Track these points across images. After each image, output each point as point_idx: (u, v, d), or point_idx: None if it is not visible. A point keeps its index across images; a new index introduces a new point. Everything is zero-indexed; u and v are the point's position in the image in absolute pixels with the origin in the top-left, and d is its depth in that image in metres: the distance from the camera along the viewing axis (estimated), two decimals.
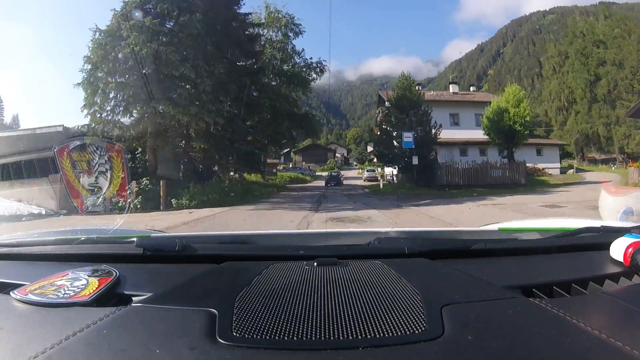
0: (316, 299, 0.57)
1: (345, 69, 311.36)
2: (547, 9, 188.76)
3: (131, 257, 0.86)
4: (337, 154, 69.70)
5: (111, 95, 11.71)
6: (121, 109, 11.86)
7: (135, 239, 0.87)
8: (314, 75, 21.38)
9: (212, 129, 13.22)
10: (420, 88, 23.02)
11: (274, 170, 27.90)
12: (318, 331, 0.48)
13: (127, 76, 11.45)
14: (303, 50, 21.34)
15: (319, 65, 21.35)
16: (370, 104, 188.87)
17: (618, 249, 0.75)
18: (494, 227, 1.33)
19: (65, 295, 0.60)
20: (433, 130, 19.13)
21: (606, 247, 0.79)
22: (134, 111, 12.28)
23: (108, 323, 0.51)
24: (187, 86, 11.63)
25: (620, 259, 0.73)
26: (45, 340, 0.46)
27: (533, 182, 19.01)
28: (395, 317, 0.50)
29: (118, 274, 0.71)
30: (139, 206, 11.04)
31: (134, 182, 11.61)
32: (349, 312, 0.52)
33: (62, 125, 12.65)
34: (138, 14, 10.78)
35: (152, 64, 10.82)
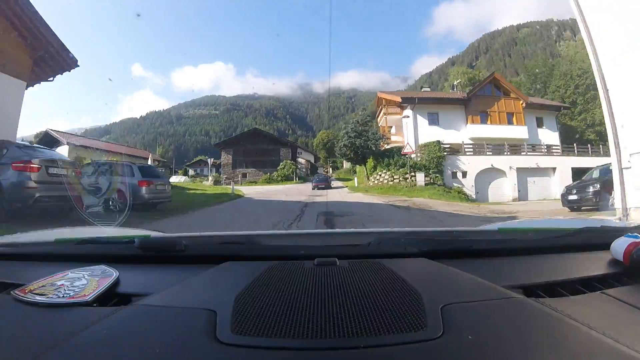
0: (316, 299, 0.57)
1: (312, 82, 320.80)
2: (521, 23, 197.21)
3: (131, 257, 0.86)
4: (300, 159, 46.40)
5: None
6: None
7: (135, 239, 0.87)
8: None
9: None
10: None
11: None
12: (318, 331, 0.48)
13: None
14: None
15: None
16: (337, 116, 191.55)
17: (618, 249, 0.75)
18: (494, 227, 1.33)
19: (65, 295, 0.60)
20: None
21: (606, 247, 0.79)
22: None
23: (108, 323, 0.51)
24: None
25: (620, 259, 0.73)
26: (45, 340, 0.46)
27: None
28: (395, 317, 0.50)
29: (118, 274, 0.71)
30: None
31: None
32: (349, 312, 0.52)
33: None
34: None
35: None
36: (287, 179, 32.68)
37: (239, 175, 34.29)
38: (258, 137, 37.68)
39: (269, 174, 33.82)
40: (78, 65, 10.30)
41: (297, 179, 33.70)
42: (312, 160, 54.91)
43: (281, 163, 34.74)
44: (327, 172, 47.81)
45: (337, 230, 1.37)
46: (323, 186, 21.06)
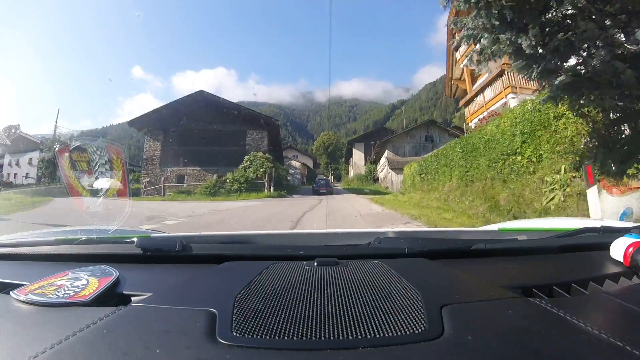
0: (316, 299, 0.57)
1: (314, 90, 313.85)
2: None
3: (131, 257, 0.86)
4: (295, 162, 38.20)
5: None
6: None
7: (135, 239, 0.87)
8: None
9: None
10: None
11: None
12: (318, 331, 0.48)
13: None
14: None
15: None
16: (339, 124, 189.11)
17: (618, 249, 0.75)
18: (494, 227, 1.33)
19: (65, 295, 0.61)
20: None
21: (606, 247, 0.79)
22: None
23: (108, 323, 0.51)
24: None
25: (620, 259, 0.73)
26: (45, 340, 0.46)
27: None
28: (395, 317, 0.50)
29: (118, 274, 0.71)
30: None
31: None
32: (349, 312, 0.52)
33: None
34: None
35: None
36: (252, 188, 16.82)
37: (172, 179, 18.88)
38: (207, 107, 19.16)
39: (215, 175, 17.82)
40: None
41: (271, 188, 17.17)
42: (311, 165, 44.83)
43: (246, 157, 18.01)
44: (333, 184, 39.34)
45: (338, 230, 1.37)
46: (325, 191, 18.24)
